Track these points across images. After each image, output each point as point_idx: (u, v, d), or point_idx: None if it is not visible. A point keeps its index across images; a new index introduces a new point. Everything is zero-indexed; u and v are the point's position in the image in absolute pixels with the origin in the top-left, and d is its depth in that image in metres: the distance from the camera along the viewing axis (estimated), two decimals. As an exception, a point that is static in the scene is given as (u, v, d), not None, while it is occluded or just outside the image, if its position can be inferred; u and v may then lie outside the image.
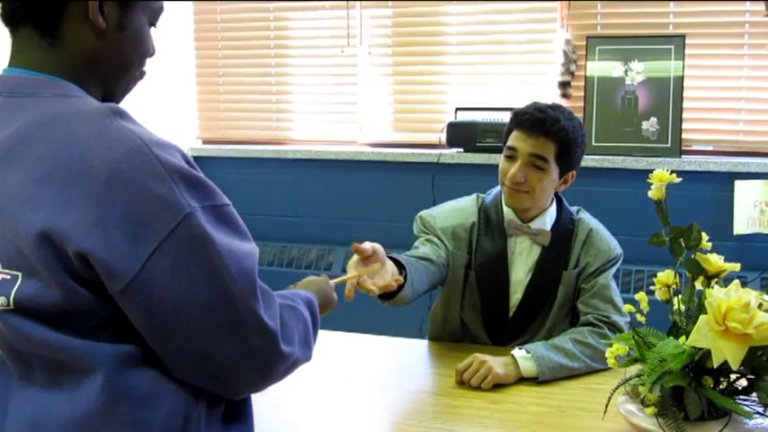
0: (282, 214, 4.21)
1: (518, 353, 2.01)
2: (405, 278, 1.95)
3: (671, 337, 1.52)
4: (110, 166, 1.06)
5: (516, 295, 2.25)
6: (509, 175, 2.17)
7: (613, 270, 2.24)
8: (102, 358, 1.08)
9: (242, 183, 4.27)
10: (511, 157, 2.19)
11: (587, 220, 2.29)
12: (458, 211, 2.33)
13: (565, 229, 2.27)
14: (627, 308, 1.61)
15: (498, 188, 2.31)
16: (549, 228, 2.25)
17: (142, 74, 1.29)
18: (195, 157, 4.33)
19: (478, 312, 2.29)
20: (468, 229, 2.28)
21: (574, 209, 2.32)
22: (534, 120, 2.15)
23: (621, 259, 2.29)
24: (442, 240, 2.26)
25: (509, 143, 2.20)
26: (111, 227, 1.04)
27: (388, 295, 1.96)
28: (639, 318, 1.59)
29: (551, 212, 2.27)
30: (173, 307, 1.08)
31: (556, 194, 2.30)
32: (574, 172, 2.26)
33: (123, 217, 1.05)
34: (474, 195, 2.37)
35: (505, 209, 2.27)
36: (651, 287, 1.68)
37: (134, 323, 1.10)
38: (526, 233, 2.24)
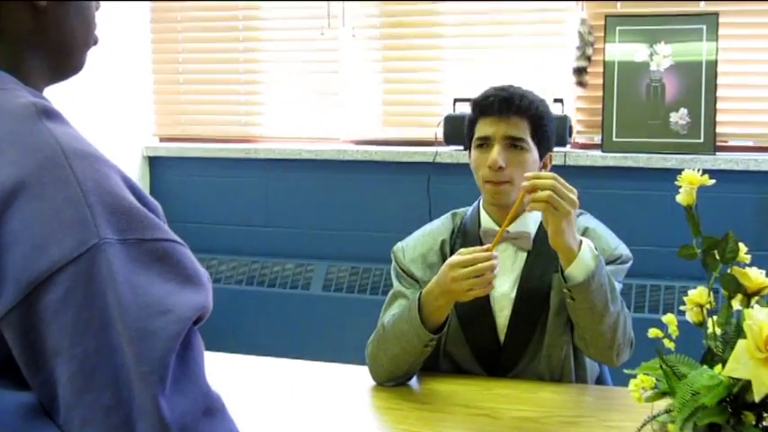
0: (252, 224, 4.20)
1: (586, 240, 2.08)
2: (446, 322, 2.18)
3: (705, 366, 1.51)
4: (17, 177, 1.03)
5: (504, 312, 2.26)
6: (488, 162, 2.20)
7: (614, 269, 2.22)
8: (3, 408, 1.06)
9: (205, 187, 4.26)
10: (483, 146, 2.25)
11: (585, 221, 2.31)
12: (428, 235, 2.39)
13: None
14: (652, 332, 1.60)
15: (477, 202, 2.36)
16: (532, 229, 2.27)
17: (96, 39, 1.27)
18: (150, 158, 4.32)
19: (464, 341, 2.28)
20: (438, 251, 2.34)
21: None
22: (501, 100, 2.22)
23: (630, 263, 2.28)
24: (414, 277, 2.31)
25: (478, 134, 2.26)
26: (4, 246, 1.02)
27: (440, 328, 2.17)
28: (667, 344, 1.59)
29: (535, 212, 2.28)
30: (51, 350, 1.02)
31: None
32: (552, 154, 2.31)
33: (19, 237, 1.02)
34: (449, 213, 2.42)
35: (484, 217, 2.31)
36: (682, 307, 1.67)
37: (18, 362, 1.07)
38: (506, 239, 2.26)
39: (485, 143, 2.23)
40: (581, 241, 2.06)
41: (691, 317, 1.65)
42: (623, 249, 2.28)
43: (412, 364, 2.18)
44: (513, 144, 2.21)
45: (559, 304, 2.20)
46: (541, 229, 2.26)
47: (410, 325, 2.13)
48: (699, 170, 1.66)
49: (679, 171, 1.68)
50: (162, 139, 4.47)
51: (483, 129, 2.24)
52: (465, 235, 2.33)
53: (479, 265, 2.02)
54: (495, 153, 2.19)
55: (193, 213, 4.25)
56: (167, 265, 1.07)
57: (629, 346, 2.17)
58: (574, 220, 2.03)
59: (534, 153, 2.23)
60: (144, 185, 4.25)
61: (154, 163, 4.35)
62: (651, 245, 3.56)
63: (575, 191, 2.04)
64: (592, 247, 2.07)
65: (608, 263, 2.22)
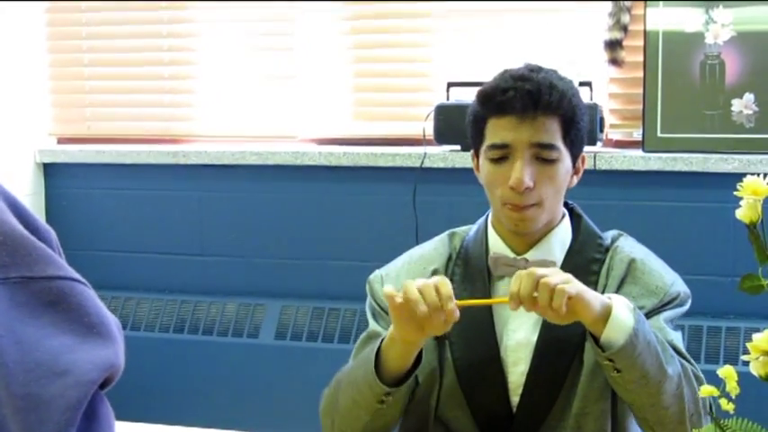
0: (181, 251, 4.20)
1: (615, 295, 2.07)
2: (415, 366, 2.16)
3: (775, 434, 1.52)
4: None
5: (519, 368, 2.24)
6: (512, 182, 2.16)
7: (671, 314, 2.23)
8: None
9: (117, 203, 4.26)
10: (501, 159, 2.21)
11: (628, 248, 2.30)
12: (416, 262, 2.37)
13: (586, 259, 2.27)
14: (705, 391, 1.61)
15: (484, 217, 2.34)
16: (557, 257, 2.27)
17: None
18: (45, 165, 4.32)
19: (464, 405, 2.28)
20: None
21: (609, 234, 2.33)
22: (525, 94, 2.17)
23: (688, 303, 2.28)
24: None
25: (491, 140, 2.21)
26: None
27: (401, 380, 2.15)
28: (725, 405, 1.59)
29: (561, 233, 2.29)
30: None
31: (568, 207, 2.34)
32: (584, 155, 2.30)
33: None
34: (445, 234, 2.41)
35: (493, 239, 2.30)
36: (745, 356, 1.67)
37: None
38: (522, 269, 2.24)
39: (504, 154, 2.20)
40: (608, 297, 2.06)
41: (756, 369, 1.65)
42: (680, 286, 2.28)
43: (365, 426, 2.18)
44: (542, 155, 2.18)
45: (595, 361, 2.18)
46: (570, 257, 2.28)
47: (364, 370, 2.13)
48: (765, 175, 1.66)
49: (743, 176, 1.69)
50: (61, 140, 4.46)
51: (499, 133, 2.20)
52: (467, 262, 2.31)
53: (444, 289, 1.99)
54: (520, 170, 2.16)
55: (103, 238, 4.24)
56: (64, 310, 1.08)
57: (707, 413, 2.14)
58: (579, 285, 2.00)
59: (567, 161, 2.22)
60: (37, 202, 4.24)
61: (50, 171, 4.34)
62: (708, 273, 3.57)
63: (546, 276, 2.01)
64: (626, 300, 2.07)
65: (662, 305, 2.23)
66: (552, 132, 2.18)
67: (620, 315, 2.03)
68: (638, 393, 2.08)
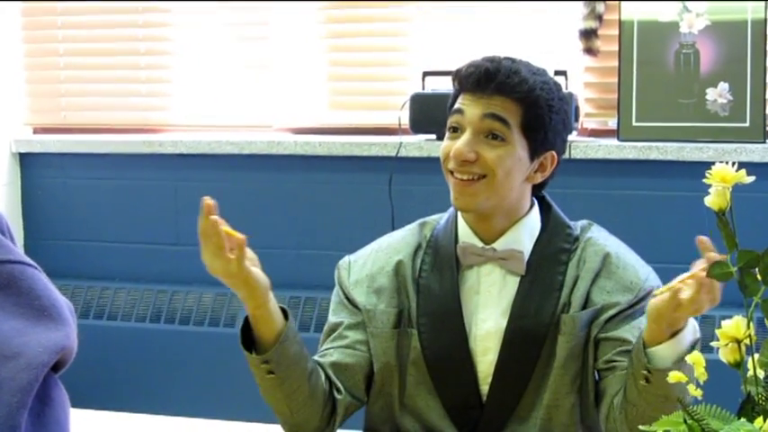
0: (157, 241, 4.19)
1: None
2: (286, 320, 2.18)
3: (743, 420, 1.52)
4: None
5: (488, 357, 2.24)
6: (452, 152, 2.18)
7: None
8: None
9: (93, 192, 4.25)
10: (454, 131, 2.22)
11: (601, 240, 2.29)
12: (383, 250, 2.36)
13: (555, 249, 2.27)
14: (674, 376, 1.61)
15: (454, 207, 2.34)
16: (526, 247, 2.26)
17: None
18: (21, 155, 4.30)
19: (433, 393, 2.28)
20: (392, 272, 2.31)
21: (579, 223, 2.33)
22: (483, 72, 2.19)
23: None
24: (356, 305, 2.31)
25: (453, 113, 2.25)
26: None
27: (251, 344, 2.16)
28: (693, 391, 1.59)
29: (530, 223, 2.28)
30: None
31: (538, 197, 2.33)
32: (554, 153, 2.27)
33: None
34: (416, 223, 2.40)
35: (462, 228, 2.29)
36: (713, 342, 1.68)
37: None
38: (491, 259, 2.25)
39: (457, 124, 2.21)
40: None
41: (725, 355, 1.65)
42: (654, 281, 2.27)
43: (277, 400, 2.22)
44: (492, 130, 2.17)
45: (568, 353, 2.20)
46: (539, 247, 2.27)
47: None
48: (734, 163, 1.65)
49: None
50: (36, 130, 4.45)
51: (459, 107, 2.22)
52: (437, 252, 2.30)
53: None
54: (462, 141, 2.16)
55: (79, 228, 4.23)
56: (14, 294, 1.07)
57: None
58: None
59: (520, 150, 2.19)
60: (13, 192, 4.22)
61: (25, 161, 4.32)
62: (683, 262, 3.53)
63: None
64: (696, 326, 2.08)
65: (637, 301, 2.22)
66: (508, 112, 2.17)
67: (685, 339, 2.05)
68: (648, 406, 2.05)
